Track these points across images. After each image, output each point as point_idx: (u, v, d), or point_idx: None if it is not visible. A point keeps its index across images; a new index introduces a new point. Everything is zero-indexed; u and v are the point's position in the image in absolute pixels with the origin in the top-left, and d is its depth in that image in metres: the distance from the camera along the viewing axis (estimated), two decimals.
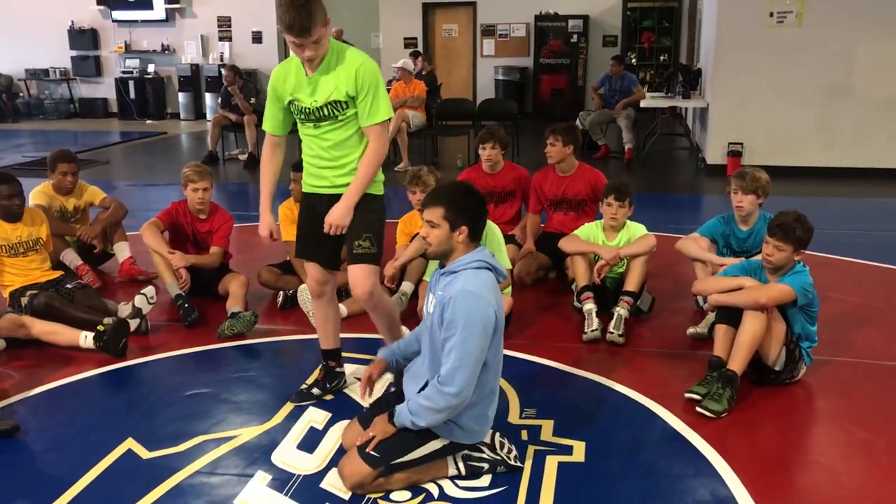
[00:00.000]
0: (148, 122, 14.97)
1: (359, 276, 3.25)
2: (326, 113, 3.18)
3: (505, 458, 2.98)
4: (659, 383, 3.77)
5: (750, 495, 2.83)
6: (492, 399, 2.93)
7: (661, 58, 16.25)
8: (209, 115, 15.00)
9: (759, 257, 3.97)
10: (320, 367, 3.71)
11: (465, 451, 2.94)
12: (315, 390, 3.62)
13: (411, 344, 3.15)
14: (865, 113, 8.80)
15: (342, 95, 3.15)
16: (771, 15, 8.74)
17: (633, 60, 14.99)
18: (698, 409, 3.42)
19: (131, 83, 15.28)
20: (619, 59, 10.70)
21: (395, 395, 3.15)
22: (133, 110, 15.27)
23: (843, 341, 4.19)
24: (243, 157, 10.42)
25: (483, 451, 2.96)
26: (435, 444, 2.87)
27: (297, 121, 3.31)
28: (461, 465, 2.94)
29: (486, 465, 2.96)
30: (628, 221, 4.65)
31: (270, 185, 3.40)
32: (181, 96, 15.26)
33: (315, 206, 3.35)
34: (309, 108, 3.19)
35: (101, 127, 14.59)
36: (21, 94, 15.93)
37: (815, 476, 3.02)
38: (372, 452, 2.83)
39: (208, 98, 14.99)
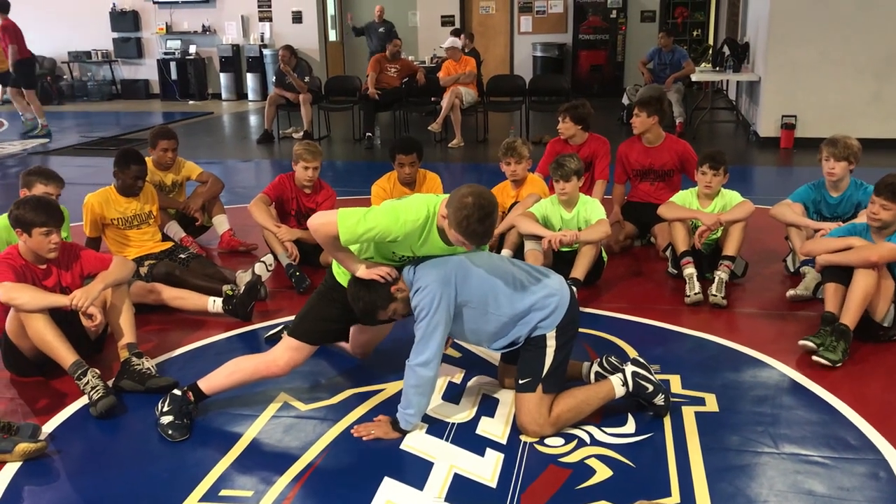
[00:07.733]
0: (190, 102, 15.16)
1: None
2: None
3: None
4: (768, 340, 3.95)
5: (886, 439, 3.01)
6: (533, 304, 3.03)
7: (695, 33, 16.31)
8: (251, 96, 15.19)
9: (861, 219, 4.13)
10: None
11: (634, 369, 3.15)
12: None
13: None
14: None
15: None
16: None
17: None
18: (815, 357, 3.59)
19: (173, 64, 15.45)
20: (668, 33, 10.78)
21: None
22: (175, 91, 15.45)
23: None
24: (298, 135, 10.58)
25: (650, 372, 3.17)
26: (551, 340, 3.03)
27: (378, 253, 3.14)
28: (630, 381, 3.13)
29: (651, 387, 3.14)
30: (723, 189, 4.78)
31: None
32: (222, 77, 15.41)
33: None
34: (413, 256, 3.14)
35: (145, 108, 14.79)
36: (64, 77, 16.14)
37: None
38: (523, 381, 3.04)
39: (249, 78, 15.15)
